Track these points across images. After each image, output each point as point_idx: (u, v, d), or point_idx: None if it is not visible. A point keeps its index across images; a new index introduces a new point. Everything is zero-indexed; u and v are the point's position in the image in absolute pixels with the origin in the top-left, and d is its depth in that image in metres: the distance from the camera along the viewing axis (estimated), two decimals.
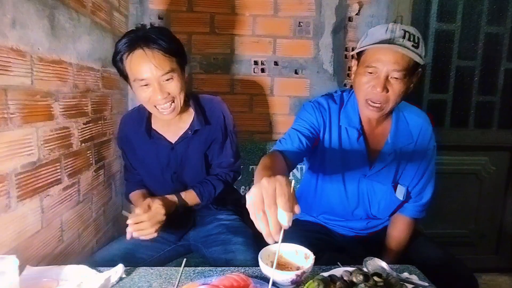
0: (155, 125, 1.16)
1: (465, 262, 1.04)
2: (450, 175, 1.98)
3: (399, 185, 1.08)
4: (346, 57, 1.75)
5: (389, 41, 0.90)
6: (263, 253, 0.78)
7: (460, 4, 1.84)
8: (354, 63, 1.04)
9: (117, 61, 1.02)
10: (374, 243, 1.16)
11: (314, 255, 0.78)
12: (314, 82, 1.75)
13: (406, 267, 0.85)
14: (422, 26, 1.86)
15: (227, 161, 1.21)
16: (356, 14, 1.72)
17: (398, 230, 1.12)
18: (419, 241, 1.14)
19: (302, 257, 0.80)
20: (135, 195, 1.20)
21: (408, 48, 0.88)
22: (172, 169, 1.17)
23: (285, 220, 0.55)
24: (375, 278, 0.70)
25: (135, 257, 1.07)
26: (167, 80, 1.01)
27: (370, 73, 0.93)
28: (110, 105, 1.42)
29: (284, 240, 0.89)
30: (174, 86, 1.03)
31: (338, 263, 0.83)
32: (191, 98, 1.17)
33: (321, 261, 0.82)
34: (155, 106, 1.04)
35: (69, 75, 1.05)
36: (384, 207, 1.11)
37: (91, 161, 1.23)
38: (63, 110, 1.02)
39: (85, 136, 1.18)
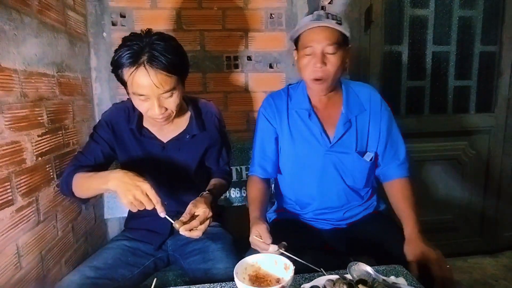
0: (147, 123, 1.14)
1: (451, 247, 1.07)
2: (431, 162, 1.98)
3: (367, 153, 1.14)
4: None
5: (317, 20, 1.03)
6: (238, 268, 0.71)
7: None
8: (294, 53, 1.15)
9: (117, 71, 0.98)
10: (356, 238, 1.12)
11: (297, 253, 0.74)
12: (289, 76, 1.69)
13: (392, 267, 0.81)
14: (396, 13, 1.82)
15: (224, 168, 1.26)
16: (329, 3, 1.66)
17: (400, 192, 1.10)
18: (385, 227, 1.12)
19: (281, 267, 0.74)
20: (82, 173, 1.03)
21: (333, 25, 1.02)
22: (160, 170, 1.13)
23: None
24: (360, 286, 0.65)
25: (110, 282, 0.98)
26: (167, 97, 1.00)
27: (308, 54, 1.04)
28: (72, 112, 1.31)
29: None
30: (172, 102, 1.01)
31: (322, 269, 0.78)
32: (190, 103, 1.17)
33: (306, 259, 0.79)
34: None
35: (14, 83, 0.94)
36: (358, 174, 1.14)
37: (51, 176, 1.12)
38: (9, 123, 0.91)
39: (42, 149, 1.07)
